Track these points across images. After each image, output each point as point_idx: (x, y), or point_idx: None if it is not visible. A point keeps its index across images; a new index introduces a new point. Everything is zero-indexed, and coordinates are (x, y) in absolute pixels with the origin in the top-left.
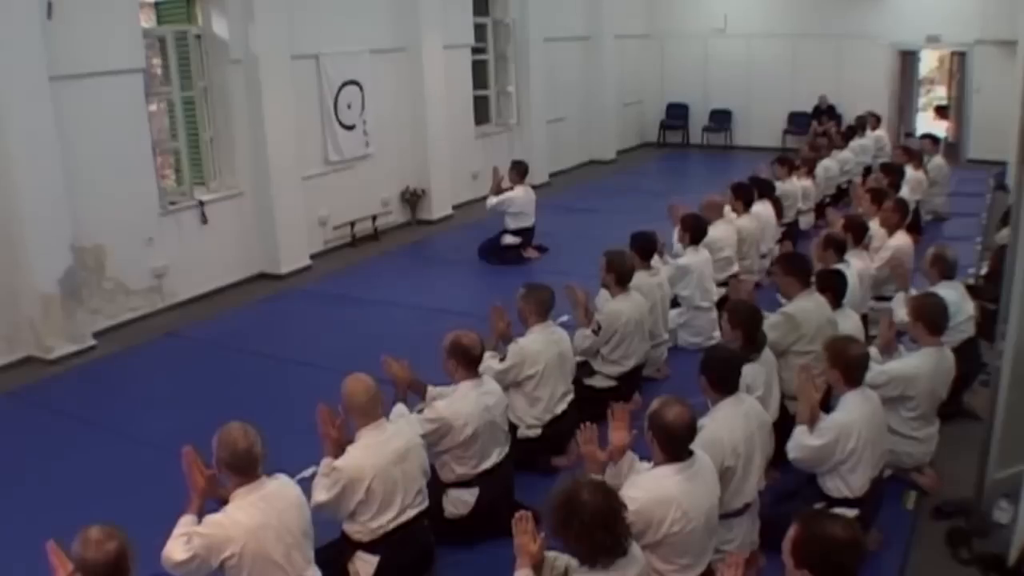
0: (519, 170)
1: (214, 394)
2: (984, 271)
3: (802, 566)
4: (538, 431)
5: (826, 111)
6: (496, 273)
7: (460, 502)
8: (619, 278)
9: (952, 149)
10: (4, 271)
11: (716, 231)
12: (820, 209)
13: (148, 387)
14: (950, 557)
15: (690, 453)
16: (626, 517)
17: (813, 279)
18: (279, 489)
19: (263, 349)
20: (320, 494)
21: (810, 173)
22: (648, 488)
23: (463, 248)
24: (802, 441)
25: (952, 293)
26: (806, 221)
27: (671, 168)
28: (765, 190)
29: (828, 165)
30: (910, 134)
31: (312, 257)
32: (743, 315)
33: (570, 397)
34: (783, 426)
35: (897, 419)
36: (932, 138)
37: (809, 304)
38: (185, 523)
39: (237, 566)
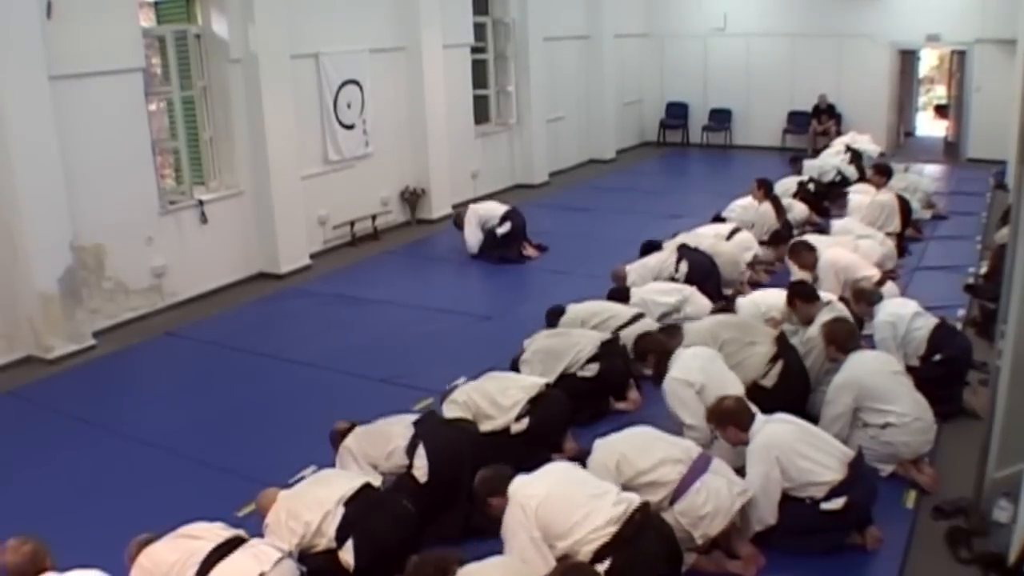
0: (458, 214)
1: (214, 394)
2: (984, 270)
3: None
4: (525, 423)
5: (826, 110)
6: (496, 272)
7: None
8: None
9: (952, 148)
10: (4, 270)
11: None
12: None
13: (148, 386)
14: (950, 557)
15: None
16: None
17: None
18: None
19: (263, 349)
20: None
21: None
22: None
23: (463, 247)
24: (760, 503)
25: (887, 304)
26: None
27: (671, 167)
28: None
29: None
30: (909, 134)
31: (312, 256)
32: (650, 345)
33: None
34: None
35: (879, 414)
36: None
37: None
38: None
39: None
